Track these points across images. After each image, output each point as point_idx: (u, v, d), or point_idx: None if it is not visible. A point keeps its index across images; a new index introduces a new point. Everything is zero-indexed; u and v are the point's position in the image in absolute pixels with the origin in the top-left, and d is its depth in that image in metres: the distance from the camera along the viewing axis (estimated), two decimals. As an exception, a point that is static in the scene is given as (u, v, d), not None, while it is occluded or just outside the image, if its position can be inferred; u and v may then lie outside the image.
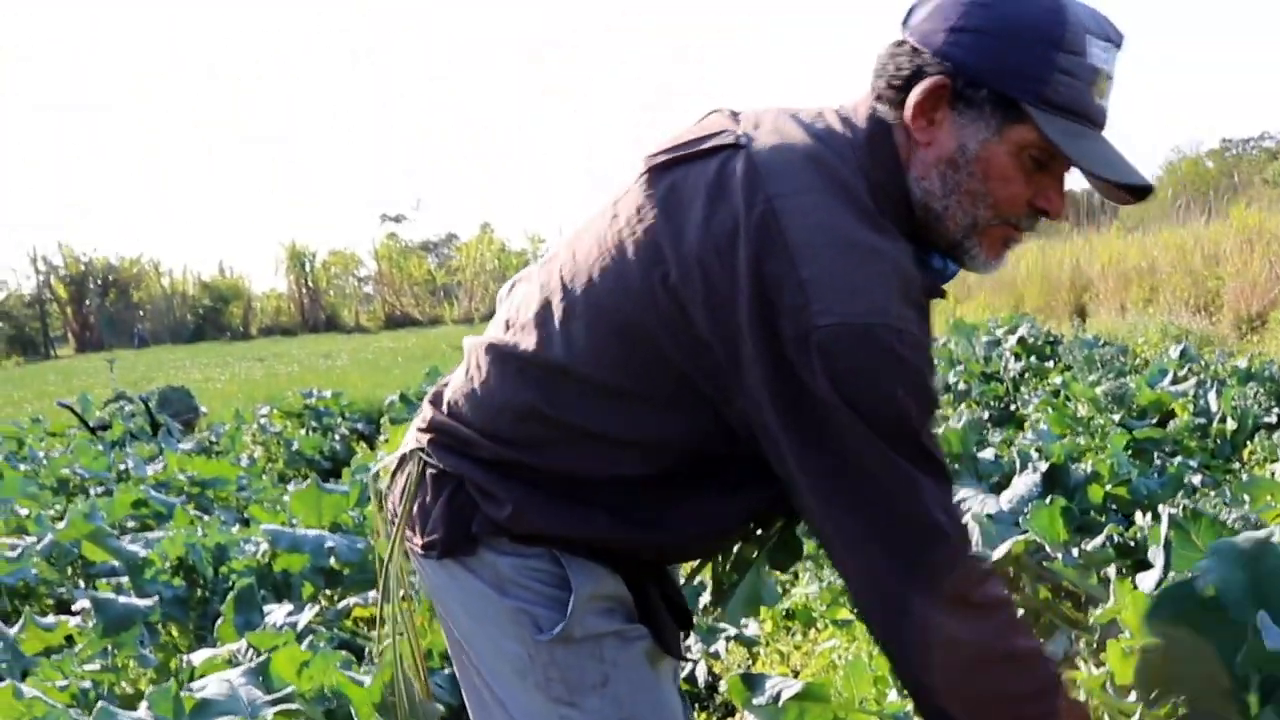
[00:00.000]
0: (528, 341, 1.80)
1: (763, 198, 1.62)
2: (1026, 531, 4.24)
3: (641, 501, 1.81)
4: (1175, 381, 7.55)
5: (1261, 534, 2.47)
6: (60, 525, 5.43)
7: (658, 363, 1.70)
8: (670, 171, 1.74)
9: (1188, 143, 41.56)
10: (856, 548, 1.65)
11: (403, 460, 1.95)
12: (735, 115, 1.82)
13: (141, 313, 41.15)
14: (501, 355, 1.84)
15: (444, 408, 1.92)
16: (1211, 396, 6.93)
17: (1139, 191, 1.69)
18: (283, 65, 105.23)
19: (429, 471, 1.87)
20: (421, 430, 1.93)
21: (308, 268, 41.62)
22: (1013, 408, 8.15)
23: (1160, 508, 3.40)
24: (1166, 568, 3.05)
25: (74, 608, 4.47)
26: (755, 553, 2.10)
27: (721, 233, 1.63)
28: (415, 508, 1.89)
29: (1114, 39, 1.67)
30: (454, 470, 1.84)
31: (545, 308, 1.80)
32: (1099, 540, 4.18)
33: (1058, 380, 8.50)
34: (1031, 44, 1.60)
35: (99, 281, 40.81)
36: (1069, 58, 1.60)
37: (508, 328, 1.87)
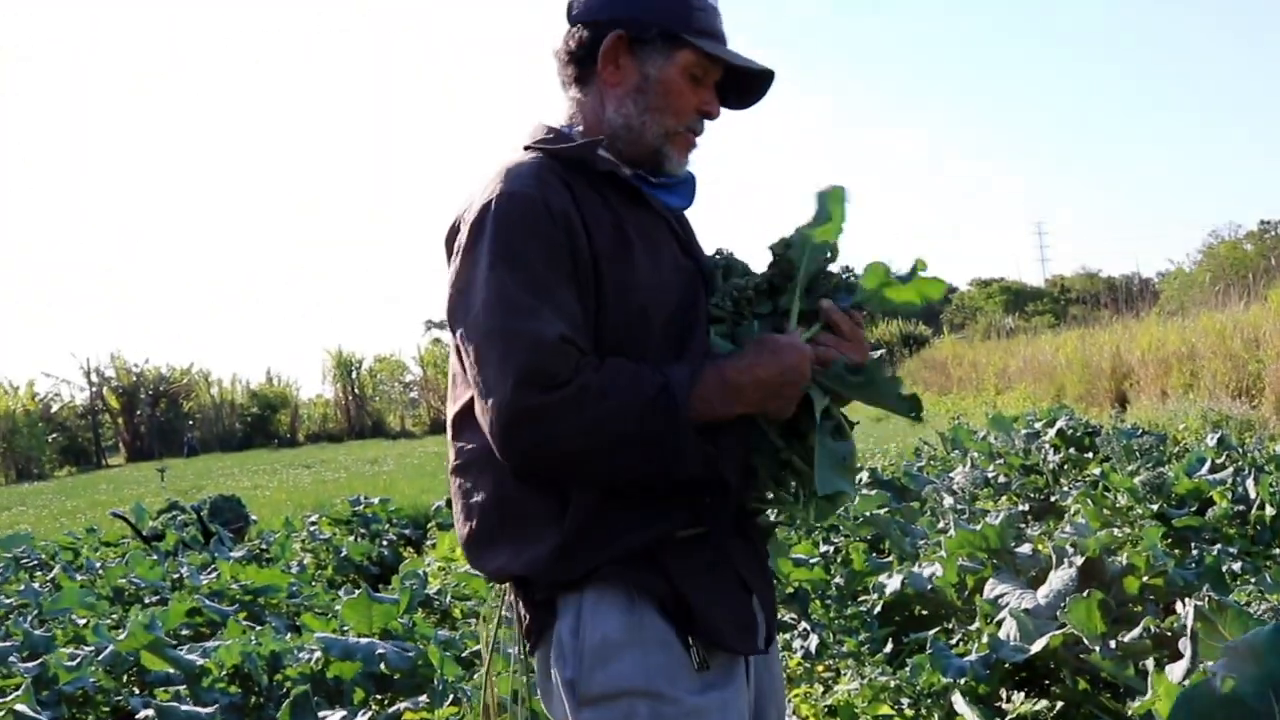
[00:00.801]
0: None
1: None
2: (1064, 625, 4.30)
3: None
4: (1213, 469, 7.56)
5: (1269, 629, 2.56)
6: (120, 635, 5.55)
7: None
8: None
9: (1225, 226, 41.37)
10: (479, 366, 1.93)
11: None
12: None
13: (191, 422, 41.52)
14: None
15: None
16: (1250, 483, 6.93)
17: (764, 78, 2.23)
18: (326, 174, 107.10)
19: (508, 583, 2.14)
20: None
21: (354, 374, 41.97)
22: (1053, 499, 8.19)
23: (1185, 600, 3.45)
24: (1194, 659, 3.11)
25: (138, 717, 4.58)
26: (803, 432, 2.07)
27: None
28: (511, 603, 2.14)
29: None
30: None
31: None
32: (1136, 632, 4.23)
33: (1096, 471, 8.53)
34: None
35: (150, 392, 41.29)
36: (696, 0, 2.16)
37: None
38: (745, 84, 2.23)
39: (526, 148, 2.16)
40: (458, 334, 2.01)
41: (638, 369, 1.93)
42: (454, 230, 2.09)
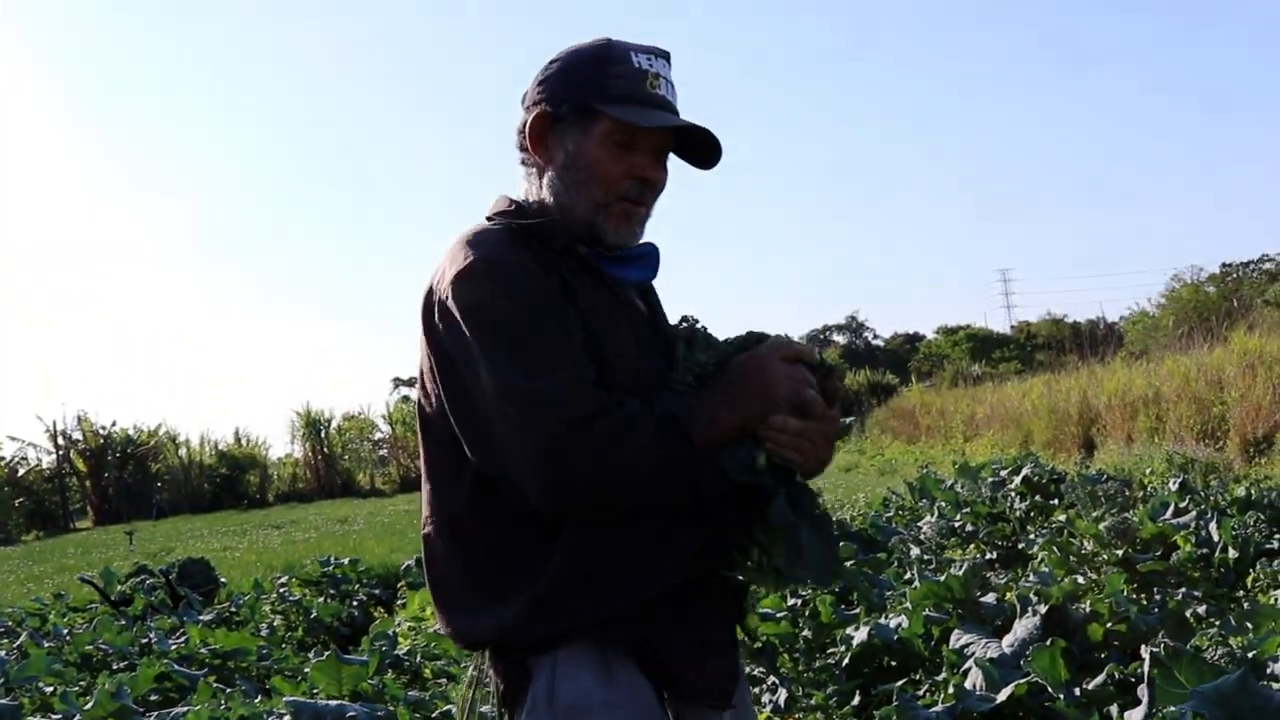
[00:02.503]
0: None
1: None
2: (1029, 674, 4.33)
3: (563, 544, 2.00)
4: (1177, 513, 7.62)
5: (1235, 677, 2.64)
6: (88, 703, 5.52)
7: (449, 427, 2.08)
8: None
9: (1188, 269, 41.75)
10: (503, 421, 1.95)
11: None
12: None
13: (160, 484, 41.14)
14: None
15: None
16: (1212, 527, 7.00)
17: (710, 147, 2.21)
18: (291, 232, 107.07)
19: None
20: None
21: (323, 434, 41.71)
22: (1020, 547, 8.24)
23: (1143, 647, 3.50)
24: (1151, 704, 3.16)
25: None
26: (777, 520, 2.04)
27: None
28: (494, 682, 2.11)
29: (657, 52, 2.21)
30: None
31: None
32: (1100, 678, 4.27)
33: (1062, 518, 8.59)
34: (587, 65, 2.17)
35: (117, 454, 40.90)
36: (617, 66, 2.15)
37: None
38: (697, 139, 2.22)
39: (489, 218, 2.21)
40: (458, 399, 2.04)
41: (643, 403, 1.98)
42: (430, 302, 2.10)
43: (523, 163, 2.26)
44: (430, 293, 2.11)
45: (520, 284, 2.01)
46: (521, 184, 2.27)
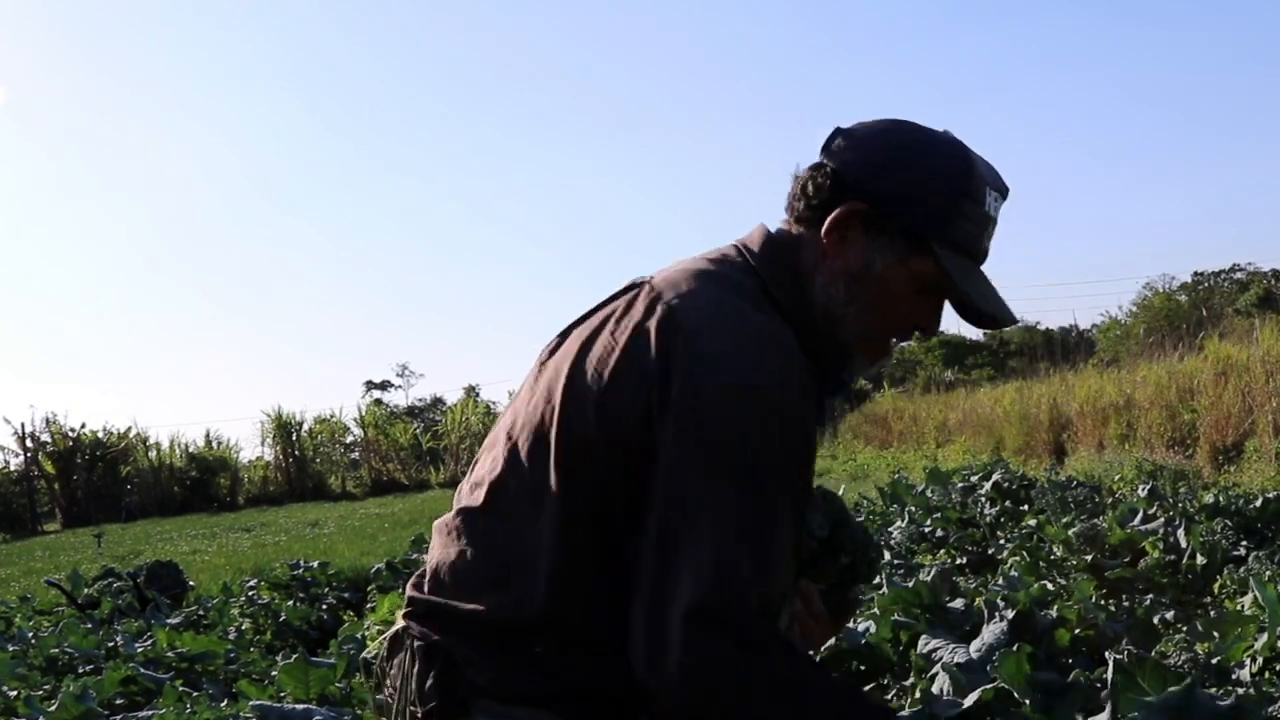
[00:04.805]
0: (484, 495, 1.91)
1: (662, 304, 1.80)
2: (995, 679, 4.35)
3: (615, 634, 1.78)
4: (1145, 520, 7.67)
5: (1180, 687, 2.69)
6: (51, 707, 5.48)
7: (598, 468, 1.78)
8: (585, 321, 1.94)
9: (1159, 278, 42.21)
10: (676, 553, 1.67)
11: (395, 640, 1.99)
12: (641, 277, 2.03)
13: (129, 486, 40.83)
14: (466, 516, 1.94)
15: (424, 583, 1.98)
16: (1180, 533, 7.04)
17: (1003, 323, 1.91)
18: (262, 230, 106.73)
19: (417, 645, 1.91)
20: (407, 608, 1.99)
21: (294, 436, 41.48)
22: (990, 552, 8.27)
23: (1106, 653, 3.52)
24: (1114, 711, 3.17)
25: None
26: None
27: (628, 337, 1.79)
28: (415, 685, 1.90)
29: (1004, 191, 1.92)
30: (441, 643, 1.88)
31: (499, 461, 1.91)
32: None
33: (1032, 523, 8.63)
34: (941, 189, 1.83)
35: (86, 456, 40.58)
36: (971, 205, 1.84)
37: (471, 491, 1.97)
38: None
39: (743, 260, 1.91)
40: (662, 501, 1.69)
41: (848, 688, 1.75)
42: (670, 359, 1.73)
43: (798, 218, 1.93)
44: (674, 375, 1.72)
45: (787, 440, 1.72)
46: (789, 227, 1.96)
